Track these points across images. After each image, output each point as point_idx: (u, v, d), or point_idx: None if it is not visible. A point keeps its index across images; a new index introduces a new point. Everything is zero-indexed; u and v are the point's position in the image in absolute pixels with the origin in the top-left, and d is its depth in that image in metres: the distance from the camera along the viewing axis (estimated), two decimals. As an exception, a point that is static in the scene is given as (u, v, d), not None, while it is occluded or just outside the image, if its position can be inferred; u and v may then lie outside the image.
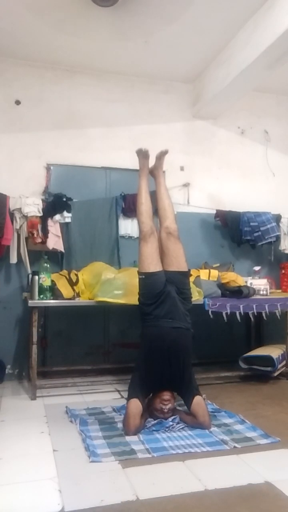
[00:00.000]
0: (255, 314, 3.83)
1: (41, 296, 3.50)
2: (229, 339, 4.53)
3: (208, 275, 4.03)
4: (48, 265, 3.67)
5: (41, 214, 4.04)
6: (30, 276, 3.65)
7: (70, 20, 3.67)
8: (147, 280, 3.04)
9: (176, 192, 4.60)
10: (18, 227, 4.02)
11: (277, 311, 3.85)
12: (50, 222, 4.08)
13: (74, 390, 3.72)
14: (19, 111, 4.35)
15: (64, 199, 4.19)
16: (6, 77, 4.34)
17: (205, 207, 4.75)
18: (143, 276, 3.06)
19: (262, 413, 3.10)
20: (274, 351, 3.95)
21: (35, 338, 3.49)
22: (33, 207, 4.02)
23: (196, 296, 3.61)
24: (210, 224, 4.76)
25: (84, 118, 4.52)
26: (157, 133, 4.63)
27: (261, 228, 4.58)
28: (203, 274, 4.03)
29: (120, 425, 2.79)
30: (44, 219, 4.06)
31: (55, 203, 4.15)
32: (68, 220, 4.19)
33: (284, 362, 4.02)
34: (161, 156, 3.41)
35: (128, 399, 2.81)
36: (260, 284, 4.23)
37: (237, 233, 4.65)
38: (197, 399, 2.79)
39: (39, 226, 4.02)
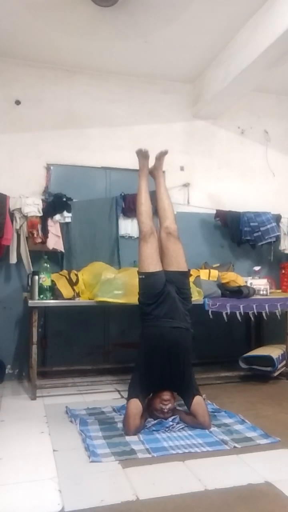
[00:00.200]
0: (255, 314, 3.83)
1: (41, 296, 3.50)
2: (229, 339, 4.53)
3: (208, 275, 4.03)
4: (48, 265, 3.67)
5: (41, 214, 4.04)
6: (30, 276, 3.64)
7: (70, 20, 3.67)
8: (147, 280, 3.04)
9: (176, 192, 4.61)
10: (18, 227, 4.02)
11: (277, 311, 3.85)
12: (50, 222, 4.08)
13: (74, 390, 3.72)
14: (19, 111, 4.35)
15: (64, 199, 4.19)
16: (6, 77, 4.34)
17: (205, 207, 4.75)
18: (143, 276, 3.06)
19: (262, 413, 3.11)
20: (274, 351, 3.95)
21: (35, 338, 3.49)
22: (33, 207, 4.02)
23: (196, 296, 3.61)
24: (210, 224, 4.76)
25: (84, 118, 4.52)
26: (157, 133, 4.63)
27: (261, 228, 4.58)
28: (203, 274, 4.02)
29: (120, 425, 2.79)
30: (44, 219, 4.05)
31: (55, 203, 4.15)
32: (68, 220, 4.19)
33: (284, 362, 4.02)
34: (160, 156, 3.42)
35: (128, 399, 2.82)
36: (260, 284, 4.23)
37: (237, 233, 4.65)
38: (197, 399, 2.79)
39: (39, 226, 4.02)
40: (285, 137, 5.18)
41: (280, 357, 3.96)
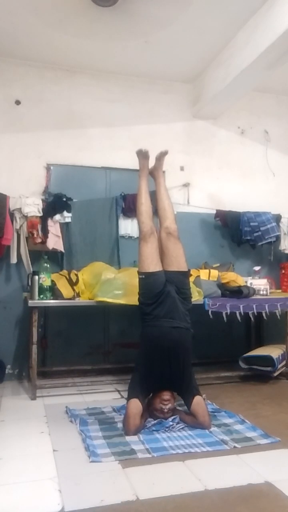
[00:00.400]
0: (255, 314, 3.83)
1: (41, 296, 3.50)
2: (229, 339, 4.53)
3: (208, 275, 4.03)
4: (48, 265, 3.67)
5: (41, 214, 4.04)
6: (30, 276, 3.64)
7: (70, 20, 3.67)
8: (147, 280, 3.04)
9: (176, 192, 4.61)
10: (18, 227, 4.02)
11: (277, 311, 3.84)
12: (50, 222, 4.08)
13: (74, 390, 3.72)
14: (19, 111, 4.35)
15: (64, 199, 4.19)
16: (6, 77, 4.34)
17: (205, 207, 4.75)
18: (143, 276, 3.06)
19: (262, 413, 3.10)
20: (274, 351, 3.95)
21: (35, 338, 3.49)
22: (33, 207, 4.02)
23: (196, 296, 3.61)
24: (210, 224, 4.76)
25: (84, 118, 4.52)
26: (157, 133, 4.63)
27: (261, 228, 4.58)
28: (203, 274, 4.02)
29: (120, 425, 2.79)
30: (44, 219, 4.05)
31: (55, 203, 4.15)
32: (68, 220, 4.19)
33: (284, 362, 4.02)
34: (161, 156, 3.42)
35: (128, 399, 2.82)
36: (260, 284, 4.23)
37: (237, 233, 4.65)
38: (197, 399, 2.79)
39: (39, 226, 4.02)
40: (285, 137, 5.18)
41: (280, 357, 3.96)
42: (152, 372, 2.85)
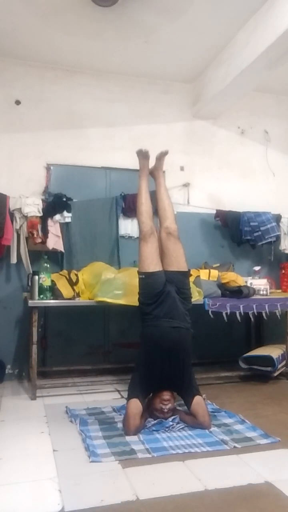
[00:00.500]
0: (255, 314, 3.83)
1: (41, 296, 3.50)
2: (229, 339, 4.53)
3: (208, 275, 4.03)
4: (48, 265, 3.67)
5: (41, 214, 4.04)
6: (30, 276, 3.64)
7: (70, 20, 3.67)
8: (147, 280, 3.04)
9: (176, 192, 4.60)
10: (18, 227, 4.02)
11: (277, 311, 3.84)
12: (50, 222, 4.08)
13: (74, 390, 3.72)
14: (19, 111, 4.35)
15: (64, 199, 4.19)
16: (6, 77, 4.34)
17: (205, 207, 4.75)
18: (143, 276, 3.07)
19: (262, 413, 3.10)
20: (274, 351, 3.95)
21: (35, 338, 3.49)
22: (33, 207, 4.02)
23: (196, 296, 3.61)
24: (210, 224, 4.76)
25: (84, 118, 4.52)
26: (157, 133, 4.63)
27: (261, 228, 4.58)
28: (203, 274, 4.02)
29: (120, 425, 2.79)
30: (44, 219, 4.06)
31: (55, 203, 4.15)
32: (68, 220, 4.19)
33: (284, 362, 4.01)
34: (161, 156, 3.42)
35: (128, 399, 2.82)
36: (260, 284, 4.23)
37: (237, 233, 4.65)
38: (197, 399, 2.79)
39: (39, 226, 4.02)
40: (285, 137, 5.18)
41: (280, 357, 3.96)
42: (152, 372, 2.85)
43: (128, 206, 4.36)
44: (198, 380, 3.06)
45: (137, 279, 3.13)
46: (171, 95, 4.81)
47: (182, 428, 2.74)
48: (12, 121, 4.33)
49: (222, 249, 4.79)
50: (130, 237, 4.42)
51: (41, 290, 3.50)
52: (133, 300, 3.27)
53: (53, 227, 4.09)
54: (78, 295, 3.71)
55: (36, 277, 3.52)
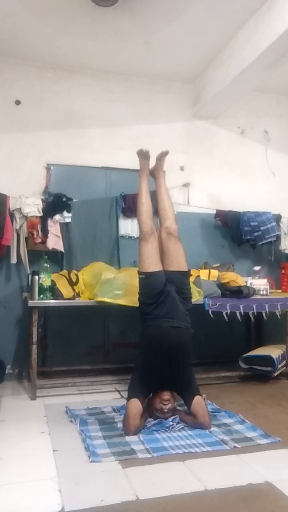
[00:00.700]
0: (255, 314, 3.83)
1: (41, 296, 3.50)
2: (229, 339, 4.53)
3: (208, 275, 4.03)
4: (48, 265, 3.67)
5: (41, 214, 4.04)
6: (30, 276, 3.64)
7: (70, 20, 3.67)
8: (147, 280, 3.05)
9: (176, 192, 4.60)
10: (18, 227, 4.02)
11: (277, 311, 3.84)
12: (50, 222, 4.08)
13: (74, 390, 3.72)
14: (19, 111, 4.35)
15: (64, 199, 4.19)
16: (6, 77, 4.34)
17: (205, 207, 4.75)
18: (143, 276, 3.07)
19: (262, 413, 3.11)
20: (274, 351, 3.95)
21: (35, 338, 3.49)
22: (33, 207, 4.02)
23: (196, 296, 3.61)
24: (210, 224, 4.76)
25: (84, 118, 4.52)
26: (157, 133, 4.63)
27: (261, 228, 4.58)
28: (203, 274, 4.02)
29: (120, 425, 2.79)
30: (44, 219, 4.05)
31: (55, 203, 4.15)
32: (68, 220, 4.19)
33: (284, 362, 4.02)
34: (161, 157, 3.42)
35: (128, 399, 2.82)
36: (260, 284, 4.23)
37: (237, 233, 4.65)
38: (197, 399, 2.79)
39: (39, 226, 4.02)
40: (285, 137, 5.18)
41: (280, 357, 3.96)
42: (152, 372, 2.85)
43: (128, 206, 4.36)
44: (198, 380, 3.06)
45: (137, 279, 3.13)
46: (171, 95, 4.81)
47: (182, 428, 2.74)
48: (12, 121, 4.33)
49: (222, 249, 4.79)
50: (130, 237, 4.42)
51: (41, 290, 3.50)
52: (133, 300, 3.27)
53: (53, 227, 4.09)
54: (78, 295, 3.71)
55: (36, 277, 3.51)
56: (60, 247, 4.13)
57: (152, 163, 3.43)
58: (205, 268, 4.21)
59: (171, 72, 4.61)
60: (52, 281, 3.59)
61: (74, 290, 3.69)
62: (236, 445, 2.49)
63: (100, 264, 3.99)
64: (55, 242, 4.08)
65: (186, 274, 3.20)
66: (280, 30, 3.28)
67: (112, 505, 1.87)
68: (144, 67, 4.49)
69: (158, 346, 2.86)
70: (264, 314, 3.84)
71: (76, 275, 3.82)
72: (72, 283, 3.73)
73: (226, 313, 3.67)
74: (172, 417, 2.80)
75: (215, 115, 4.84)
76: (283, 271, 4.79)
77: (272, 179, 5.05)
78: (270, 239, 4.59)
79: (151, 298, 3.00)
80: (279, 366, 3.92)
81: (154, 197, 3.36)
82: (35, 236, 3.99)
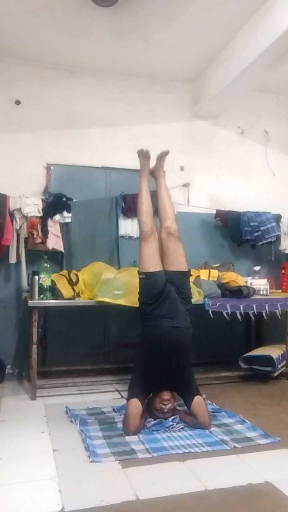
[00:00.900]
0: (255, 314, 3.83)
1: (41, 296, 3.50)
2: (229, 339, 4.53)
3: (208, 275, 4.03)
4: (48, 265, 3.67)
5: (41, 214, 4.04)
6: (30, 276, 3.64)
7: (70, 20, 3.67)
8: (147, 280, 3.04)
9: (176, 192, 4.60)
10: (18, 227, 4.02)
11: (277, 311, 3.85)
12: (50, 222, 4.08)
13: (74, 390, 3.72)
14: (19, 111, 4.35)
15: (64, 199, 4.19)
16: (6, 77, 4.34)
17: (205, 207, 4.75)
18: (143, 276, 3.07)
19: (262, 413, 3.10)
20: (274, 351, 3.95)
21: (35, 338, 3.49)
22: (33, 207, 4.02)
23: (196, 296, 3.61)
24: (210, 224, 4.76)
25: (84, 118, 4.52)
26: (157, 133, 4.63)
27: (261, 228, 4.58)
28: (203, 274, 4.02)
29: (120, 425, 2.79)
30: (44, 219, 4.05)
31: (55, 203, 4.15)
32: (68, 220, 4.19)
33: (284, 362, 4.01)
34: (162, 157, 3.42)
35: (128, 399, 2.82)
36: (260, 284, 4.23)
37: (237, 233, 4.65)
38: (197, 399, 2.79)
39: (39, 226, 4.02)
40: (285, 137, 5.18)
41: (280, 357, 3.96)
42: (152, 372, 2.85)
43: (128, 206, 4.36)
44: (198, 380, 3.06)
45: (137, 279, 3.13)
46: (171, 95, 4.81)
47: (182, 428, 2.74)
48: (12, 121, 4.33)
49: (222, 249, 4.79)
50: (130, 237, 4.42)
51: (41, 290, 3.50)
52: (133, 300, 3.27)
53: (53, 227, 4.09)
54: (78, 295, 3.71)
55: (36, 277, 3.51)
56: (60, 247, 4.13)
57: (152, 163, 3.43)
58: (205, 268, 4.21)
59: (171, 72, 4.62)
60: (52, 281, 3.59)
61: (74, 290, 3.69)
62: (236, 445, 2.49)
63: (100, 264, 3.99)
64: (55, 242, 4.08)
65: (186, 274, 3.20)
66: (280, 30, 3.28)
67: (112, 505, 1.87)
68: (144, 67, 4.49)
69: (158, 346, 2.86)
70: (264, 314, 3.84)
71: (76, 275, 3.82)
72: (72, 283, 3.73)
73: (227, 313, 3.67)
74: (172, 417, 2.80)
75: (215, 115, 4.84)
76: (283, 271, 4.79)
77: (272, 179, 5.05)
78: (270, 239, 4.59)
79: (151, 298, 3.00)
80: (279, 366, 3.92)
81: (154, 197, 3.36)
82: (35, 236, 3.99)
